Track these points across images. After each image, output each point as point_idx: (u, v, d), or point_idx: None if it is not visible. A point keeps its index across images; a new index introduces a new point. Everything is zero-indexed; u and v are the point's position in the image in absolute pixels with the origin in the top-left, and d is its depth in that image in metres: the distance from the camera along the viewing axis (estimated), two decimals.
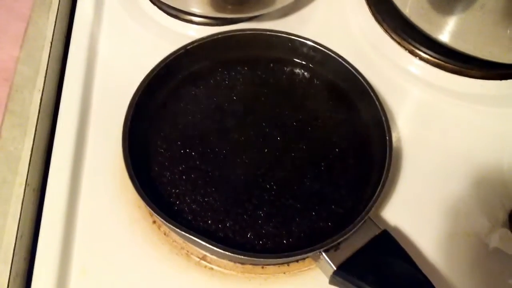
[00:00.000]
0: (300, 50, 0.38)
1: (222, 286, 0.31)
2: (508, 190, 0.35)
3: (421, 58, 0.42)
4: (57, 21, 0.40)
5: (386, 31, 0.43)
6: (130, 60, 0.40)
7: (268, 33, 0.37)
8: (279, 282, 0.31)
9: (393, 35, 0.43)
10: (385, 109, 0.34)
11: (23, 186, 0.32)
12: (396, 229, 0.33)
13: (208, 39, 0.36)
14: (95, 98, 0.38)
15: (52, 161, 0.34)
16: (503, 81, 0.41)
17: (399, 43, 0.43)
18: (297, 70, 0.39)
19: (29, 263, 0.32)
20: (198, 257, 0.32)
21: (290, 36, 0.37)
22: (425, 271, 0.29)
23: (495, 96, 0.41)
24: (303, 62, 0.39)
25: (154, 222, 0.33)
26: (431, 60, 0.42)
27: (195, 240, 0.28)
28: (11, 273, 0.29)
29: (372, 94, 0.35)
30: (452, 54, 0.40)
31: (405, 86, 0.41)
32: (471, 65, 0.41)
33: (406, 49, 0.42)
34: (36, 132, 0.34)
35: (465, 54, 0.39)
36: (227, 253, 0.28)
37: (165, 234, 0.32)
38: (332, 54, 0.36)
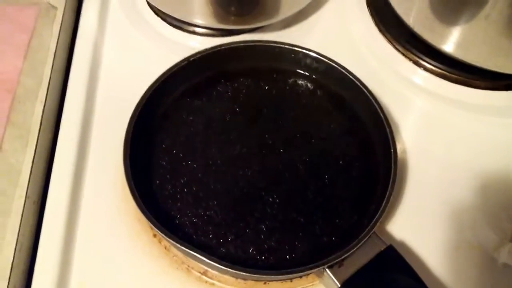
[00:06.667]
0: (303, 61, 0.38)
1: None
2: None
3: (425, 69, 0.42)
4: (61, 33, 0.40)
5: (389, 41, 0.43)
6: (133, 71, 0.40)
7: (271, 44, 0.37)
8: None
9: (397, 46, 0.43)
10: (390, 120, 0.34)
11: (23, 199, 0.32)
12: (401, 244, 0.33)
13: (211, 50, 0.36)
14: (97, 109, 0.38)
15: (53, 174, 0.34)
16: (508, 91, 0.41)
17: (403, 54, 0.42)
18: (300, 81, 0.38)
19: (28, 276, 0.31)
20: (199, 272, 0.31)
21: (293, 48, 0.37)
22: (431, 287, 0.28)
23: (501, 107, 0.40)
24: (307, 73, 0.38)
25: (155, 235, 0.32)
26: (435, 70, 0.41)
27: (196, 256, 0.28)
28: (9, 287, 0.29)
29: (376, 105, 0.34)
30: (457, 64, 0.40)
31: (410, 96, 0.41)
32: (476, 75, 0.40)
33: (410, 59, 0.42)
34: (38, 144, 0.34)
35: (469, 64, 0.39)
36: (229, 269, 0.27)
37: (165, 248, 0.32)
38: (336, 65, 0.36)
